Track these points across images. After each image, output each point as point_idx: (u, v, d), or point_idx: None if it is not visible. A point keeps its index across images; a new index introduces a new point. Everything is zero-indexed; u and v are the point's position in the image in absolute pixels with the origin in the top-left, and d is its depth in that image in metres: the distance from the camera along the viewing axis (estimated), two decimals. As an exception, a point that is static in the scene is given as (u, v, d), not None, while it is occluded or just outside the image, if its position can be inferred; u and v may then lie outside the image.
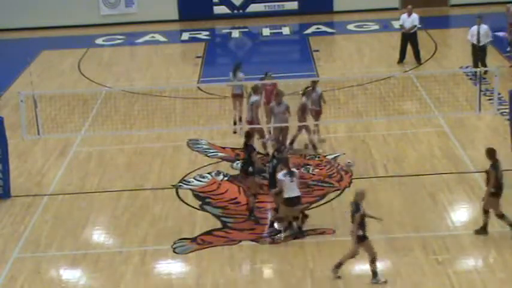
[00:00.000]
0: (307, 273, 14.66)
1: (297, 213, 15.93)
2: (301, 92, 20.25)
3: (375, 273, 14.16)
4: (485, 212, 15.42)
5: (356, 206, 14.01)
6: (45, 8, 34.00)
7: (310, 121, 19.77)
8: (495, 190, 15.15)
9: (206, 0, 34.56)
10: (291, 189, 15.49)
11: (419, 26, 26.64)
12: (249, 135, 17.23)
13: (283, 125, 19.15)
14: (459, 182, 17.80)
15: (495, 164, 15.14)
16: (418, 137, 20.48)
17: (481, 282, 14.08)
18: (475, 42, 24.28)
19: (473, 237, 15.47)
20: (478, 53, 24.23)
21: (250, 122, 19.50)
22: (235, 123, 21.44)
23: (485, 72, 22.96)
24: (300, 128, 19.69)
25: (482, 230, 15.50)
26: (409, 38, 26.43)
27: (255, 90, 19.71)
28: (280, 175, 15.61)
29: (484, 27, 24.24)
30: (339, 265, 14.34)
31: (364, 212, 14.06)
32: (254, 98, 19.64)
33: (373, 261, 14.16)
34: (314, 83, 20.29)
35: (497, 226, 15.81)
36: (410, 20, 26.30)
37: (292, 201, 15.57)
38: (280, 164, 15.94)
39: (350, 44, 30.01)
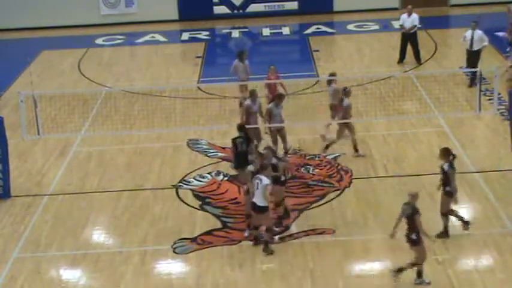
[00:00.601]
0: (307, 273, 14.64)
1: (265, 222, 15.34)
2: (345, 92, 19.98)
3: (419, 273, 13.97)
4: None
5: (413, 208, 13.76)
6: (45, 8, 34.00)
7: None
8: (450, 189, 15.22)
9: (206, 0, 34.55)
10: (256, 195, 15.17)
11: (419, 26, 26.61)
12: (241, 128, 17.19)
13: (281, 125, 19.11)
14: (459, 182, 17.57)
15: (452, 163, 15.20)
16: (418, 137, 20.47)
17: (481, 282, 14.07)
18: (467, 47, 23.99)
19: (473, 237, 15.46)
20: (471, 58, 23.73)
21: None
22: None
23: (472, 74, 23.04)
24: (350, 129, 19.38)
25: (465, 224, 15.51)
26: (409, 38, 26.40)
27: (251, 94, 19.55)
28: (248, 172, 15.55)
29: (479, 33, 23.72)
30: (419, 274, 13.98)
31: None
32: (247, 102, 19.44)
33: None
34: (330, 81, 20.33)
35: (498, 226, 15.83)
36: (410, 20, 26.26)
37: (254, 207, 15.29)
38: (256, 166, 15.83)
39: (350, 44, 30.00)
